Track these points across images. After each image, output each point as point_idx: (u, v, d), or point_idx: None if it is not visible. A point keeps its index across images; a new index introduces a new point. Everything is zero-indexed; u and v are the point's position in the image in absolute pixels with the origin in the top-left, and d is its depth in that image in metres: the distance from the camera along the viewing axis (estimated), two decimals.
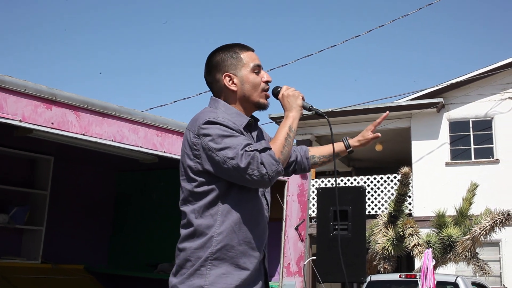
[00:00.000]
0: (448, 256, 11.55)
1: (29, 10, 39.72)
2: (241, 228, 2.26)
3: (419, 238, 11.37)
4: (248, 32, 41.50)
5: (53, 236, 6.38)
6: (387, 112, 2.80)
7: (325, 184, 17.94)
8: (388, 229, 11.64)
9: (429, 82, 41.37)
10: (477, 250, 11.64)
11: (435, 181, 17.11)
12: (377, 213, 15.39)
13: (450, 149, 17.50)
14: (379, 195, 17.63)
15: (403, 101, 17.76)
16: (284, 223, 5.70)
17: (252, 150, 2.19)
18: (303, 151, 2.74)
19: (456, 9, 33.19)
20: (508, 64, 16.81)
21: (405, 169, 11.42)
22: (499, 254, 16.11)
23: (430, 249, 8.02)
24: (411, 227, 11.47)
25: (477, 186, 12.14)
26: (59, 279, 6.15)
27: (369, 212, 16.79)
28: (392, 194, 16.25)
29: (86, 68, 42.90)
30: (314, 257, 6.12)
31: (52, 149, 5.95)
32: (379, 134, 2.76)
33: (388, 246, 11.44)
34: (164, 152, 4.65)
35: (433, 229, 11.96)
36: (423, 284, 7.41)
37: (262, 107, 2.47)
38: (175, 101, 17.29)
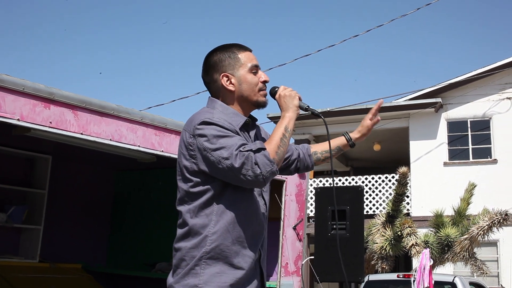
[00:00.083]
0: (446, 256, 11.56)
1: (29, 10, 39.70)
2: (235, 228, 2.27)
3: (417, 238, 11.39)
4: (246, 32, 41.50)
5: (51, 235, 6.37)
6: (381, 99, 2.81)
7: (323, 184, 17.94)
8: (386, 229, 11.65)
9: (427, 82, 41.40)
10: (475, 250, 11.66)
11: (433, 181, 17.12)
12: (375, 213, 15.41)
13: (448, 149, 17.52)
14: (377, 195, 17.64)
15: (401, 101, 17.77)
16: (282, 222, 5.70)
17: (247, 151, 2.20)
18: (305, 149, 2.74)
19: (454, 9, 33.23)
20: (507, 64, 16.82)
21: (403, 169, 11.43)
22: (497, 254, 16.13)
23: (428, 249, 8.03)
24: (409, 227, 11.49)
25: (475, 186, 12.16)
26: (57, 278, 6.15)
27: (367, 212, 16.80)
28: (390, 194, 16.25)
29: (85, 68, 42.90)
30: (312, 257, 6.12)
31: (50, 148, 5.95)
32: (379, 118, 2.76)
33: (386, 246, 11.46)
34: (163, 151, 4.65)
35: (431, 229, 11.98)
36: (418, 284, 7.41)
37: (261, 105, 2.47)
38: (173, 101, 17.38)
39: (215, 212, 2.26)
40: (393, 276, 9.98)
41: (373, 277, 10.24)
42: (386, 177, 17.66)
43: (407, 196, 16.54)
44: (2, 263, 5.80)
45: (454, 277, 9.57)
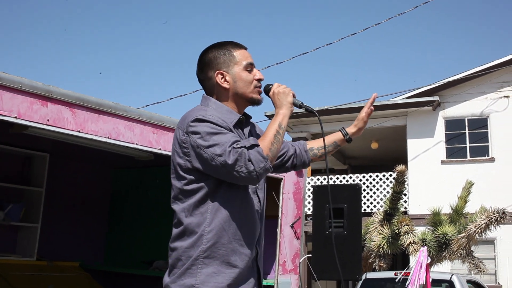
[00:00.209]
0: (443, 254, 11.57)
1: (29, 10, 39.63)
2: (231, 226, 2.26)
3: (415, 236, 11.40)
4: (244, 30, 41.48)
5: (49, 233, 6.37)
6: (375, 93, 2.81)
7: (321, 182, 17.95)
8: (383, 227, 11.66)
9: (425, 80, 41.46)
10: (472, 248, 11.67)
11: (431, 179, 17.14)
12: (373, 211, 15.41)
13: (446, 147, 17.54)
14: (374, 193, 17.65)
15: (399, 99, 17.78)
16: (279, 220, 5.70)
17: (240, 147, 2.19)
18: (301, 145, 2.74)
19: (452, 8, 33.25)
20: (504, 62, 16.85)
21: (400, 167, 11.44)
22: (494, 252, 16.16)
23: (426, 247, 8.02)
24: (406, 225, 11.49)
25: (473, 184, 12.17)
26: (54, 276, 6.14)
27: (365, 210, 16.82)
28: (388, 192, 16.26)
29: (83, 67, 42.84)
30: (310, 255, 6.12)
31: (47, 146, 5.94)
32: (373, 108, 2.77)
33: (384, 244, 11.47)
34: (160, 149, 4.65)
35: (429, 227, 11.99)
36: (413, 282, 7.41)
37: (256, 102, 2.47)
38: (171, 98, 17.35)
39: (209, 210, 2.25)
40: (390, 274, 9.97)
41: (370, 275, 10.25)
42: (384, 175, 17.67)
43: (405, 194, 16.57)
44: (0, 261, 5.79)
45: (452, 275, 9.58)
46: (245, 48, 2.50)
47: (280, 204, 5.70)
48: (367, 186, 17.70)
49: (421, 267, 7.52)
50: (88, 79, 43.69)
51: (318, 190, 6.05)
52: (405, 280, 8.85)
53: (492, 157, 16.95)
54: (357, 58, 37.14)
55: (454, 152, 17.53)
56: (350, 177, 18.02)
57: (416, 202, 17.01)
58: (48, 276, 6.08)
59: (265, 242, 2.48)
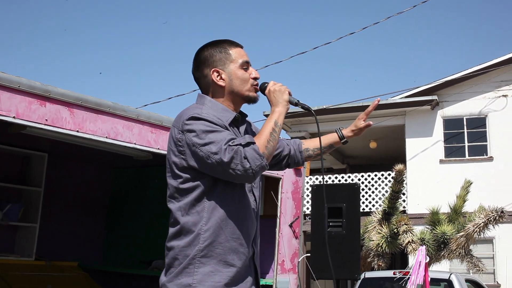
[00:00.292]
0: (442, 253, 11.57)
1: (29, 10, 39.59)
2: (228, 224, 2.25)
3: (413, 235, 11.39)
4: (243, 30, 41.47)
5: (47, 233, 6.36)
6: (378, 99, 2.81)
7: (320, 181, 17.93)
8: (382, 226, 11.66)
9: (423, 79, 41.46)
10: (471, 247, 11.67)
11: (429, 179, 17.15)
12: (371, 210, 15.41)
13: (444, 147, 17.54)
14: (373, 192, 17.65)
15: (397, 99, 17.78)
16: (278, 220, 5.70)
17: (236, 145, 2.18)
18: (296, 145, 2.74)
19: (451, 7, 33.25)
20: (503, 61, 16.85)
21: (399, 167, 11.44)
22: (493, 251, 16.17)
23: (424, 246, 8.02)
24: (405, 224, 11.49)
25: (471, 183, 12.16)
26: (53, 276, 6.14)
27: (363, 209, 16.81)
28: (386, 192, 16.27)
29: (83, 67, 42.81)
30: (309, 254, 6.12)
31: (46, 146, 5.93)
32: (371, 122, 2.74)
33: (382, 243, 11.46)
34: (159, 149, 4.65)
35: (427, 226, 11.98)
36: (412, 281, 7.40)
37: (252, 100, 2.46)
38: (169, 98, 17.35)
39: (206, 209, 2.24)
40: (389, 273, 9.97)
41: (369, 274, 10.25)
42: (382, 175, 17.67)
43: (403, 194, 16.58)
44: None
45: (450, 274, 9.58)
46: (241, 46, 2.49)
47: (279, 204, 5.70)
48: (366, 186, 17.70)
49: (419, 266, 7.52)
50: (88, 79, 43.69)
51: (316, 190, 6.05)
52: (403, 279, 8.86)
53: (491, 156, 16.95)
54: (356, 58, 37.17)
55: (453, 151, 17.54)
56: (349, 177, 18.01)
57: (415, 201, 17.01)
58: (47, 276, 6.08)
59: (264, 242, 2.48)
